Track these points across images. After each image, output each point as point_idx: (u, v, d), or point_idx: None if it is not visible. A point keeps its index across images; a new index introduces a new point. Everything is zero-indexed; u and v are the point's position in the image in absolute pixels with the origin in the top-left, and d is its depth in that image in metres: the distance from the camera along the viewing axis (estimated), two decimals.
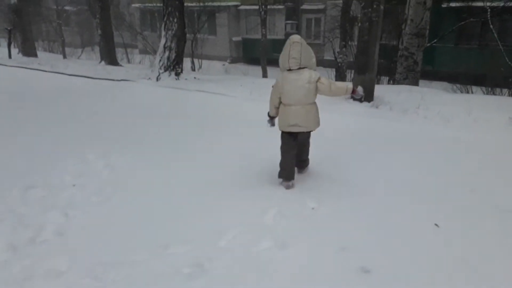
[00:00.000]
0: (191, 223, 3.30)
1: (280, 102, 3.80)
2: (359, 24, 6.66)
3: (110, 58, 13.51)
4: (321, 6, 21.06)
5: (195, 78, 9.37)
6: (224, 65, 21.68)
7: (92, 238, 3.10)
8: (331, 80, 3.83)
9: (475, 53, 13.78)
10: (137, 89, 8.19)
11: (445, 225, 3.21)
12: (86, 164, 4.49)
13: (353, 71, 7.10)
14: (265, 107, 5.53)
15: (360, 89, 3.91)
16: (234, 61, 23.18)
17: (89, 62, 14.73)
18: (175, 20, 9.08)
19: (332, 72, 13.91)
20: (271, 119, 4.02)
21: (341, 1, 14.99)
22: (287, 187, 3.86)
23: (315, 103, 3.80)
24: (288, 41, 3.67)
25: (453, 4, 14.59)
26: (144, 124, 6.03)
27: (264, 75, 17.88)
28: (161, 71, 9.04)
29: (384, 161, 4.49)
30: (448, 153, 4.71)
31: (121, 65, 13.77)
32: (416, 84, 9.14)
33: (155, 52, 9.66)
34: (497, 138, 5.04)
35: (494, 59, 9.55)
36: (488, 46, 11.16)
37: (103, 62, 13.40)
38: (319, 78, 3.67)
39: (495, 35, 10.33)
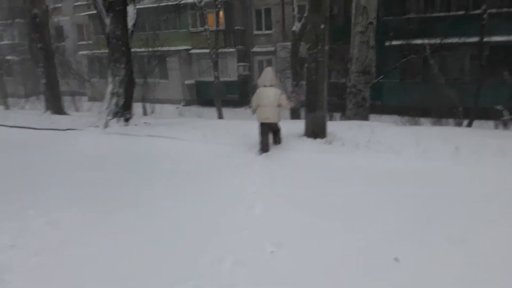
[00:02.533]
0: (141, 280, 3.02)
1: (258, 105, 6.32)
2: (307, 65, 6.82)
3: (55, 107, 12.96)
4: (271, 48, 21.76)
5: (145, 123, 9.11)
6: (177, 108, 21.57)
7: None
8: (286, 97, 6.48)
9: (419, 87, 14.56)
10: (83, 138, 7.80)
11: (405, 259, 3.15)
12: (26, 222, 4.10)
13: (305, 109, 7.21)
14: (218, 149, 5.48)
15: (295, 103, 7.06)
16: (188, 103, 23.14)
17: (34, 112, 14.06)
18: (122, 65, 8.90)
19: (286, 111, 14.14)
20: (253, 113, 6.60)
21: (290, 43, 15.57)
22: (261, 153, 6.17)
23: (278, 106, 6.31)
24: (264, 70, 6.58)
25: (395, 42, 15.50)
26: (90, 175, 5.66)
27: (220, 116, 17.89)
28: (108, 118, 8.71)
29: (340, 196, 4.45)
30: (400, 184, 4.75)
31: (68, 114, 13.25)
32: (366, 118, 9.38)
33: (104, 99, 9.34)
34: (445, 168, 5.16)
35: (437, 92, 10.08)
36: (431, 80, 11.85)
37: (48, 112, 12.81)
38: (280, 94, 6.35)
39: (436, 70, 10.96)
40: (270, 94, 6.28)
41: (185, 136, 7.28)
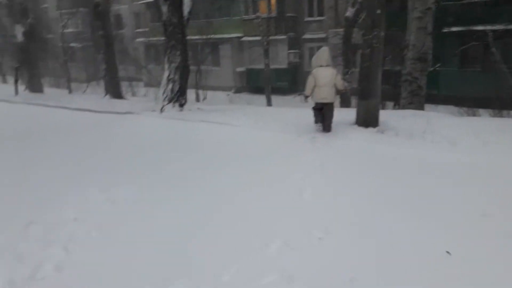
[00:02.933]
0: (194, 257, 3.19)
1: (314, 86, 6.39)
2: (361, 51, 6.70)
3: (115, 91, 13.66)
4: (322, 35, 21.39)
5: (198, 108, 9.41)
6: (228, 95, 21.88)
7: (92, 274, 3.00)
8: (341, 78, 6.60)
9: (479, 75, 13.78)
10: (141, 122, 8.19)
11: (457, 252, 3.08)
12: (87, 198, 4.39)
13: (357, 97, 7.11)
14: (269, 135, 5.58)
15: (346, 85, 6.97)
16: (238, 91, 23.40)
17: (94, 96, 14.87)
18: (178, 53, 9.20)
19: (336, 98, 13.95)
20: (306, 97, 6.74)
21: (342, 30, 15.28)
22: (318, 129, 6.50)
23: (334, 86, 6.40)
24: (320, 50, 6.68)
25: (454, 29, 14.71)
26: (148, 156, 5.94)
27: (269, 103, 17.99)
28: (165, 103, 9.08)
29: (391, 187, 4.37)
30: (456, 178, 4.59)
31: (125, 98, 13.92)
32: (422, 108, 9.08)
33: (159, 84, 9.71)
34: (505, 162, 4.90)
35: (499, 81, 9.51)
36: (492, 69, 11.14)
37: (108, 96, 13.53)
38: (336, 74, 6.47)
39: (498, 57, 10.31)
40: (327, 74, 6.33)
41: (237, 122, 7.44)
